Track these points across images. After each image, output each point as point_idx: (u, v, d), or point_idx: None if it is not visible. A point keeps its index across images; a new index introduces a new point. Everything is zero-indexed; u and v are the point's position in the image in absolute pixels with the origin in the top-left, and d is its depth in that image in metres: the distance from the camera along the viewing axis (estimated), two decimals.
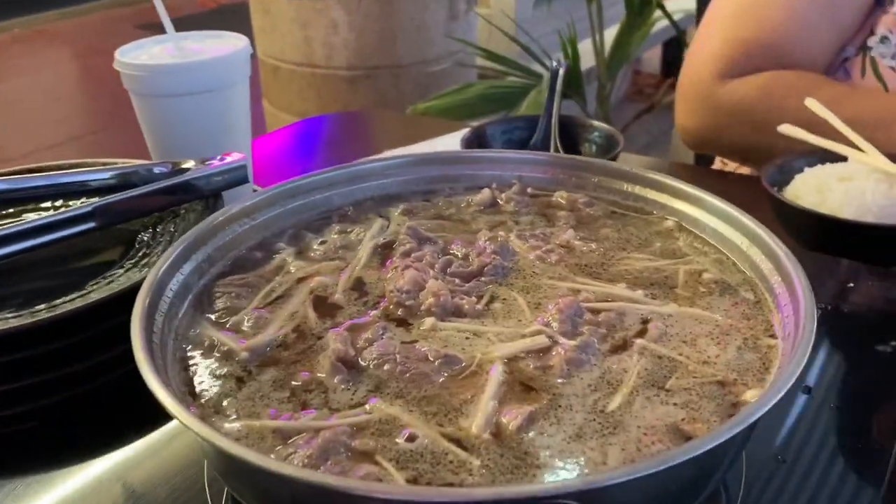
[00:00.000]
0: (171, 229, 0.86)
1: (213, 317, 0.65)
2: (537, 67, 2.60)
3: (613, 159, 1.09)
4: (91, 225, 0.81)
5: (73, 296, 0.73)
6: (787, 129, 1.06)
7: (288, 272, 0.71)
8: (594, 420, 0.53)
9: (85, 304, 0.70)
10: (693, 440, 0.47)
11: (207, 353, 0.61)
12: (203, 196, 0.88)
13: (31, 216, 0.88)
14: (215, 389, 0.57)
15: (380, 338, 0.60)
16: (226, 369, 0.59)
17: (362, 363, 0.58)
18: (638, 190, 0.80)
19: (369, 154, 1.24)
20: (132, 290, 0.62)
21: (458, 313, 0.64)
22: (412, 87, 3.04)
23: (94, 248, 0.85)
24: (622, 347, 0.60)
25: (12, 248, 0.78)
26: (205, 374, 0.58)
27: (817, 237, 0.95)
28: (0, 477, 0.67)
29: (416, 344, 0.60)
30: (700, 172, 1.41)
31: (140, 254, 0.82)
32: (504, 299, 0.66)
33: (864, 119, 1.02)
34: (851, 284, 0.88)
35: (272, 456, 0.50)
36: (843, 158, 1.01)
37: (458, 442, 0.51)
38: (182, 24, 1.02)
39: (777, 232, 0.67)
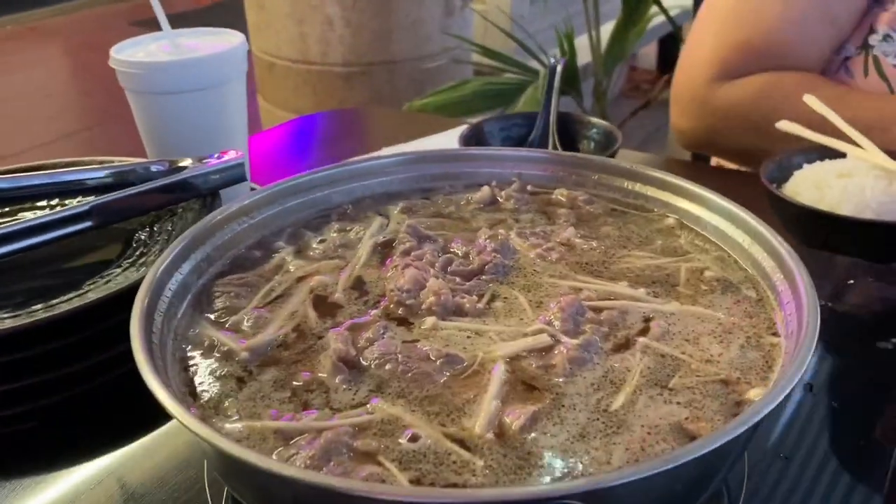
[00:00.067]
0: (169, 228, 0.85)
1: (212, 316, 0.65)
2: (534, 64, 2.59)
3: (612, 156, 1.08)
4: (88, 224, 0.81)
5: (71, 295, 0.73)
6: (785, 125, 1.06)
7: (287, 271, 0.71)
8: (597, 419, 0.52)
9: (83, 304, 0.69)
10: (698, 439, 0.47)
11: (207, 354, 0.60)
12: (201, 194, 0.87)
13: (28, 215, 0.88)
14: (215, 390, 0.56)
15: (381, 337, 0.60)
16: (226, 369, 0.58)
17: (363, 363, 0.58)
18: (638, 187, 0.80)
19: (366, 151, 1.23)
20: (130, 290, 0.62)
21: (459, 312, 0.63)
22: (408, 84, 3.03)
23: (91, 248, 0.84)
24: (625, 346, 0.59)
25: (9, 248, 0.77)
26: (205, 375, 0.58)
27: (816, 234, 0.95)
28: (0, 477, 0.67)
29: (417, 343, 0.59)
30: (697, 169, 1.41)
31: (137, 253, 0.81)
32: (505, 298, 0.66)
33: (861, 121, 1.02)
34: (851, 281, 0.88)
35: (274, 457, 0.50)
36: (842, 155, 1.01)
37: (461, 442, 0.50)
38: (176, 21, 1.02)
39: (776, 229, 0.67)
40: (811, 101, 1.08)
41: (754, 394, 0.54)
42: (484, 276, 0.68)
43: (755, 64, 1.29)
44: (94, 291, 0.73)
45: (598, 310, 0.63)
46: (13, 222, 0.79)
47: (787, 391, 0.48)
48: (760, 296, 0.65)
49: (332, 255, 0.73)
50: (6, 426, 0.71)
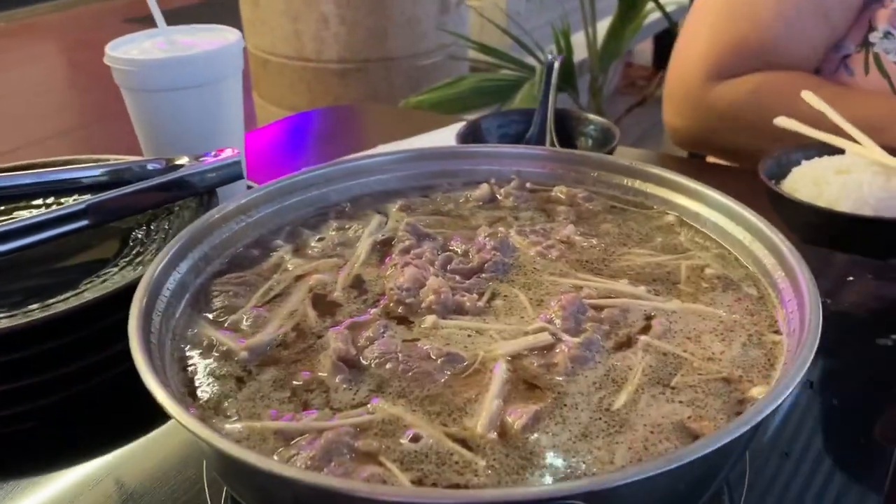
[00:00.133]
0: (166, 227, 0.85)
1: (210, 316, 0.64)
2: (530, 60, 2.59)
3: (610, 153, 1.08)
4: (84, 223, 0.80)
5: (67, 295, 0.72)
6: (783, 121, 1.06)
7: (286, 270, 0.70)
8: (600, 419, 0.52)
9: (79, 304, 0.69)
10: (701, 438, 0.47)
11: (206, 353, 0.60)
12: (197, 193, 0.87)
13: (23, 214, 0.87)
14: (215, 390, 0.56)
15: (381, 336, 0.59)
16: (225, 369, 0.58)
17: (364, 362, 0.58)
18: (638, 184, 0.79)
19: (363, 149, 1.23)
20: (127, 289, 0.61)
21: (459, 311, 0.63)
22: (404, 81, 3.02)
23: (88, 247, 0.84)
24: (626, 344, 0.59)
25: (4, 247, 0.77)
26: (204, 375, 0.58)
27: (815, 230, 0.95)
28: None
29: (417, 342, 0.59)
30: (695, 166, 1.41)
31: (134, 252, 0.81)
32: (505, 296, 0.65)
33: (857, 121, 1.01)
34: (851, 278, 0.88)
35: (275, 458, 0.49)
36: (841, 151, 1.01)
37: (462, 442, 0.50)
38: (171, 17, 1.01)
39: (774, 225, 0.67)
40: (809, 97, 1.08)
41: (757, 392, 0.54)
42: (484, 274, 0.67)
43: (749, 62, 1.28)
44: (91, 291, 0.73)
45: (598, 308, 0.63)
46: (8, 221, 0.78)
47: (790, 390, 0.47)
48: (761, 293, 0.65)
49: (331, 254, 0.73)
50: (4, 426, 0.70)
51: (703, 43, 1.32)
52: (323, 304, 0.65)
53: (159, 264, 0.63)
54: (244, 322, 0.63)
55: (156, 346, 0.57)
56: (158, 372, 0.52)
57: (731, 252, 0.70)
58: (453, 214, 0.80)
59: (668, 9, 2.71)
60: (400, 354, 0.57)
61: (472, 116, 1.24)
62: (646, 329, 0.61)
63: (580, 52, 2.96)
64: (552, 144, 1.16)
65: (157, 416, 0.47)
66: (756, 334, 0.60)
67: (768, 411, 0.46)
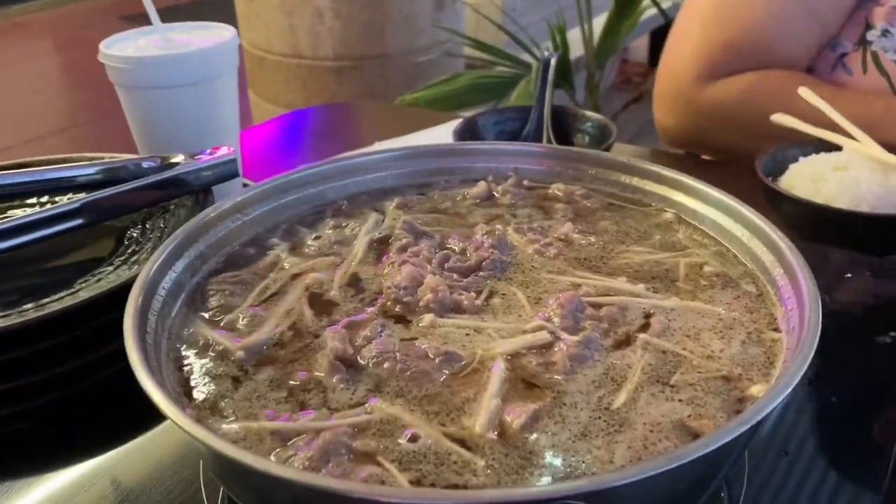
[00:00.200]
0: (161, 225, 0.84)
1: (207, 315, 0.64)
2: (526, 57, 2.58)
3: (607, 150, 1.08)
4: (79, 221, 0.80)
5: (62, 294, 0.72)
6: (780, 118, 1.06)
7: (282, 268, 0.70)
8: (599, 418, 0.52)
9: (74, 303, 0.69)
10: (701, 438, 0.46)
11: (202, 353, 0.59)
12: (193, 191, 0.86)
13: (17, 213, 0.87)
14: (211, 390, 0.56)
15: (378, 335, 0.59)
16: (221, 369, 0.58)
17: (361, 361, 0.57)
18: (636, 181, 0.79)
19: (359, 146, 1.22)
20: (122, 289, 0.61)
21: (457, 309, 0.63)
22: (399, 78, 3.01)
23: (82, 245, 0.83)
24: (625, 342, 0.59)
25: None
26: (200, 375, 0.57)
27: (812, 227, 0.95)
28: None
29: (415, 341, 0.59)
30: (692, 163, 1.40)
31: (129, 251, 0.80)
32: (503, 294, 0.65)
33: (852, 121, 1.01)
34: (849, 275, 0.88)
35: (272, 458, 0.49)
36: (838, 148, 1.01)
37: (461, 442, 0.50)
38: (165, 15, 1.00)
39: (772, 222, 0.66)
40: (806, 93, 1.08)
41: (756, 390, 0.54)
42: (482, 273, 0.67)
43: (740, 61, 1.28)
44: (86, 290, 0.72)
45: (597, 306, 0.62)
46: (2, 220, 0.78)
47: (790, 389, 0.47)
48: (760, 291, 0.65)
49: (328, 252, 0.72)
50: (1, 426, 0.70)
51: (693, 42, 1.31)
52: (320, 302, 0.65)
53: (155, 263, 0.62)
54: (240, 321, 0.63)
55: (151, 345, 0.56)
56: (154, 372, 0.51)
57: (729, 249, 0.70)
58: (450, 212, 0.80)
59: (664, 5, 2.70)
60: (398, 353, 0.57)
61: (468, 113, 1.24)
62: (645, 327, 0.60)
63: (576, 49, 2.95)
64: (549, 141, 1.16)
65: (153, 416, 0.47)
66: (755, 332, 0.60)
67: (768, 410, 0.46)
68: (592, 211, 0.78)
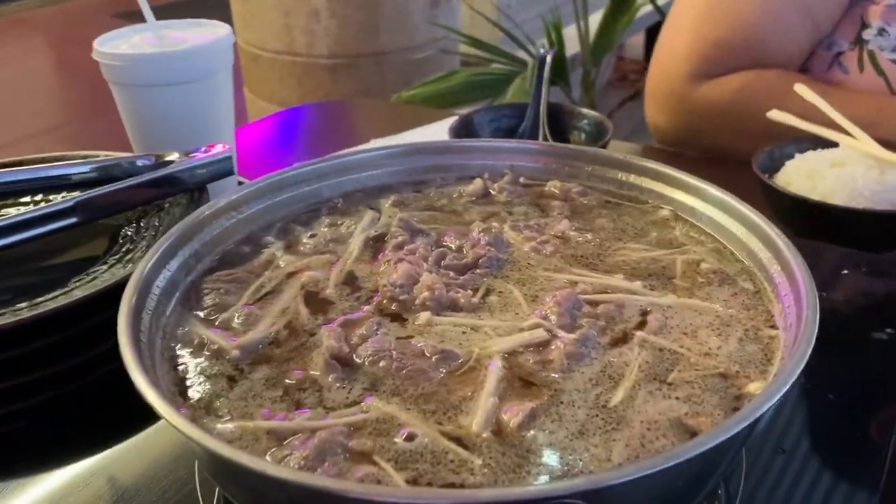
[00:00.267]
0: (156, 223, 0.84)
1: (201, 314, 0.63)
2: (521, 54, 2.58)
3: (603, 147, 1.08)
4: (73, 220, 0.79)
5: (56, 293, 0.72)
6: (776, 114, 1.06)
7: (277, 267, 0.70)
8: (597, 416, 0.51)
9: (68, 302, 0.68)
10: (699, 436, 0.46)
11: (197, 352, 0.59)
12: (188, 189, 0.86)
13: (11, 211, 0.86)
14: (206, 389, 0.55)
15: (374, 334, 0.59)
16: (216, 368, 0.57)
17: (357, 360, 0.57)
18: (632, 178, 0.79)
19: (355, 144, 1.22)
20: (117, 287, 0.61)
21: (453, 307, 0.62)
22: (395, 75, 3.01)
23: (77, 244, 0.83)
24: (622, 340, 0.59)
25: None
26: (195, 374, 0.57)
27: (809, 224, 0.95)
28: None
29: (411, 339, 0.58)
30: (688, 160, 1.40)
31: (124, 249, 0.80)
32: (500, 292, 0.65)
33: (846, 119, 1.01)
34: (845, 271, 0.88)
35: (267, 458, 0.49)
36: (834, 145, 1.01)
37: (458, 440, 0.50)
38: (161, 12, 1.00)
39: (768, 219, 0.66)
40: (802, 90, 1.08)
41: (754, 388, 0.54)
42: (478, 270, 0.67)
43: (733, 59, 1.28)
44: (80, 289, 0.72)
45: (594, 303, 0.62)
46: None
47: (788, 386, 0.47)
48: (757, 287, 0.65)
49: (323, 250, 0.72)
50: None
51: (686, 39, 1.31)
52: (315, 301, 0.65)
53: (149, 262, 0.62)
54: (235, 320, 0.62)
55: (146, 344, 0.56)
56: (148, 371, 0.51)
57: (726, 246, 0.70)
58: (447, 210, 0.79)
59: (660, 2, 2.70)
60: (394, 352, 0.57)
61: (464, 111, 1.24)
62: (642, 324, 0.60)
63: (572, 46, 2.95)
64: (545, 139, 1.16)
65: (148, 415, 0.47)
66: (752, 329, 0.60)
67: (766, 408, 0.46)
68: (589, 208, 0.78)
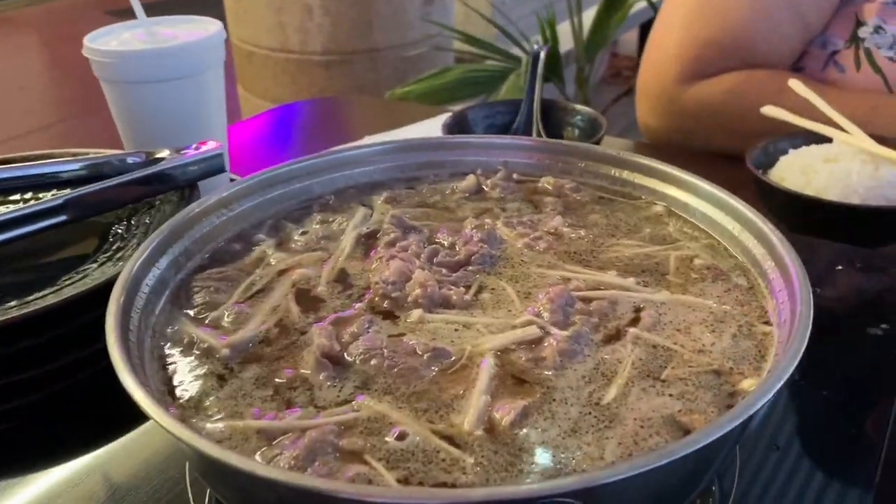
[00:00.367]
0: (147, 221, 0.83)
1: (191, 312, 0.63)
2: (516, 51, 2.57)
3: (597, 143, 1.07)
4: (62, 218, 0.79)
5: (46, 292, 0.71)
6: (770, 110, 1.05)
7: (268, 264, 0.69)
8: (589, 413, 0.51)
9: (59, 301, 0.68)
10: (692, 433, 0.46)
11: (187, 351, 0.58)
12: (179, 186, 0.85)
13: (0, 210, 0.85)
14: (196, 388, 0.55)
15: (366, 331, 0.58)
16: (206, 367, 0.57)
17: (348, 358, 0.56)
18: (626, 175, 0.78)
19: (348, 140, 1.21)
20: (107, 286, 0.60)
21: (445, 304, 0.62)
22: (389, 72, 3.00)
23: (67, 242, 0.82)
24: (615, 337, 0.58)
25: None
26: (184, 373, 0.56)
27: (803, 219, 0.95)
28: None
29: (403, 337, 0.58)
30: (682, 156, 1.40)
31: (114, 247, 0.79)
32: (493, 289, 0.64)
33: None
34: (840, 267, 0.87)
35: (257, 457, 0.48)
36: (828, 140, 1.01)
37: (449, 439, 0.49)
38: (153, 10, 0.99)
39: (762, 214, 0.66)
40: (796, 85, 1.08)
41: (748, 384, 0.53)
42: (471, 267, 0.66)
43: (724, 59, 1.27)
44: (71, 287, 0.71)
45: (587, 300, 0.62)
46: None
47: (781, 383, 0.47)
48: (751, 283, 0.64)
49: (315, 248, 0.71)
50: None
51: (676, 39, 1.30)
52: (306, 299, 0.64)
53: (138, 260, 0.61)
54: (225, 318, 0.62)
55: (134, 343, 0.55)
56: (137, 370, 0.51)
57: (720, 242, 0.70)
58: (439, 206, 0.79)
59: None
60: (385, 350, 0.56)
61: (458, 107, 1.23)
62: (635, 321, 0.60)
63: (566, 43, 2.95)
64: (539, 135, 1.15)
65: (139, 415, 0.46)
66: (746, 325, 0.59)
67: (760, 405, 0.45)
68: (582, 204, 0.77)
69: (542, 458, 0.48)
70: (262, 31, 3.02)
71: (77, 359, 0.70)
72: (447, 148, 0.85)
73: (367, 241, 0.72)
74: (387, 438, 0.49)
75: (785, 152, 1.03)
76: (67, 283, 0.73)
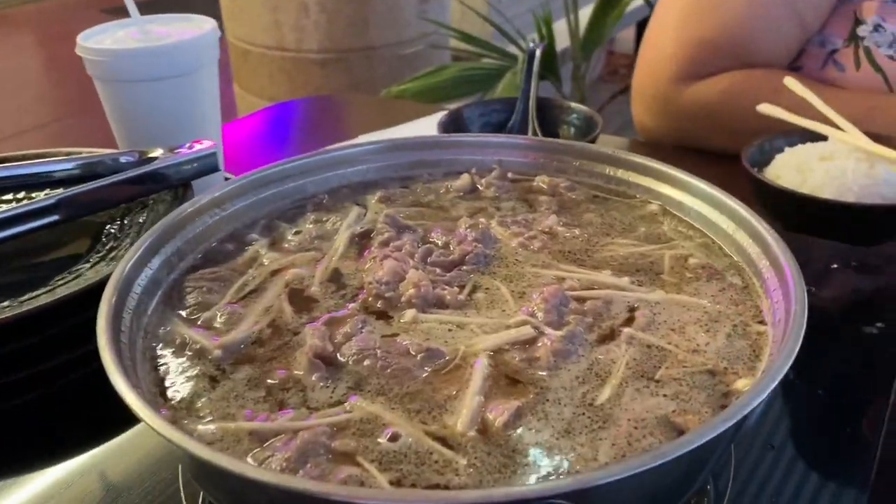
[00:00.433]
0: (140, 220, 0.83)
1: (184, 313, 0.62)
2: (512, 49, 2.57)
3: (593, 142, 1.07)
4: (55, 217, 0.78)
5: (39, 292, 0.71)
6: (766, 108, 1.05)
7: (261, 264, 0.69)
8: (583, 414, 0.51)
9: (52, 301, 0.67)
10: (686, 434, 0.45)
11: (179, 352, 0.58)
12: (172, 185, 0.85)
13: None
14: (187, 390, 0.54)
15: (359, 332, 0.58)
16: (198, 368, 0.56)
17: (341, 359, 0.56)
18: (620, 173, 0.78)
19: (343, 139, 1.21)
20: (100, 286, 0.60)
21: (439, 304, 0.62)
22: (385, 70, 2.99)
23: (60, 242, 0.82)
24: (609, 337, 0.58)
25: None
26: (176, 374, 0.56)
27: (798, 218, 0.94)
28: None
29: (396, 338, 0.58)
30: (678, 154, 1.40)
31: (107, 247, 0.79)
32: (487, 289, 0.64)
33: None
34: (835, 266, 0.87)
35: (249, 459, 0.48)
36: (824, 138, 1.01)
37: (442, 440, 0.49)
38: (148, 8, 0.99)
39: (757, 213, 0.66)
40: (792, 83, 1.07)
41: (742, 384, 0.53)
42: (465, 267, 0.66)
43: (720, 59, 1.27)
44: (64, 287, 0.71)
45: (581, 300, 0.61)
46: None
47: (776, 383, 0.46)
48: (746, 283, 0.64)
49: (308, 247, 0.71)
50: None
51: (671, 40, 1.30)
52: (300, 299, 0.64)
53: (130, 260, 0.61)
54: (218, 319, 0.61)
55: (126, 344, 0.55)
56: (128, 372, 0.50)
57: (714, 241, 0.69)
58: (433, 205, 0.79)
59: None
60: (378, 350, 0.56)
61: (453, 106, 1.23)
62: (629, 321, 0.59)
63: (562, 41, 2.94)
64: (534, 133, 1.15)
65: (132, 416, 0.46)
66: (741, 325, 0.59)
67: (754, 405, 0.45)
68: (577, 203, 0.77)
69: (536, 459, 0.48)
70: (258, 29, 3.01)
71: (70, 359, 0.69)
72: (441, 147, 0.85)
73: (361, 241, 0.72)
74: (379, 440, 0.49)
75: (781, 150, 1.03)
76: (60, 282, 0.73)
